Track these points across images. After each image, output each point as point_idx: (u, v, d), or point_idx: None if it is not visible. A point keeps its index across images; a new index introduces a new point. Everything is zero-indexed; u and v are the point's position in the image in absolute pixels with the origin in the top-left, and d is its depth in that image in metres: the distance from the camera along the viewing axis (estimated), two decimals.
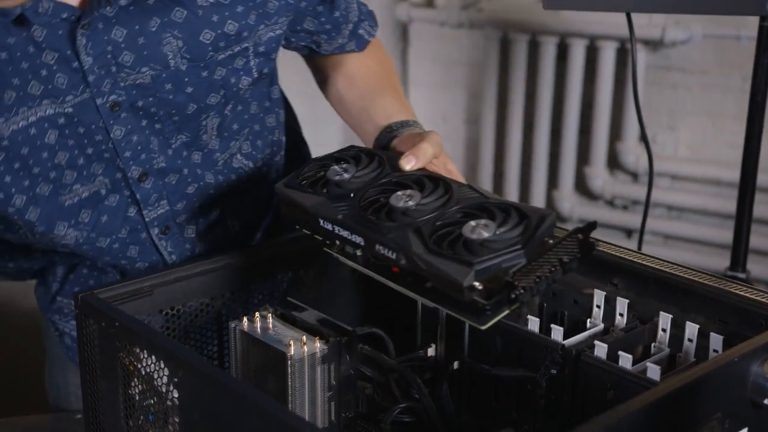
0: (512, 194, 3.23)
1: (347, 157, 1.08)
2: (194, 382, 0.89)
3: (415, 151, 1.07)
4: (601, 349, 1.03)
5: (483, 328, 0.88)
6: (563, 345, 1.05)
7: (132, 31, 1.12)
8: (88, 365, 1.03)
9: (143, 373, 0.95)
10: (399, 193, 0.98)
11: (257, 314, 1.04)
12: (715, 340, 1.04)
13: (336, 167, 1.06)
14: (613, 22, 2.83)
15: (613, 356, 1.02)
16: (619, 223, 3.15)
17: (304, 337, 0.99)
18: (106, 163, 1.18)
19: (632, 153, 3.05)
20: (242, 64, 1.22)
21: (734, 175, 1.88)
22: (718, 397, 0.89)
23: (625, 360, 1.01)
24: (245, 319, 1.04)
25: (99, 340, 1.01)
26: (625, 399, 0.83)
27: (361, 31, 1.40)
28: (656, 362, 1.01)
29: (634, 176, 3.12)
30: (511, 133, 3.22)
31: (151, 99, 1.16)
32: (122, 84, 1.14)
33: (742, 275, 1.80)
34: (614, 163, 3.12)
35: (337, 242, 1.02)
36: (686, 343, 1.06)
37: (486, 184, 3.30)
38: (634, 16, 1.77)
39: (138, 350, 0.95)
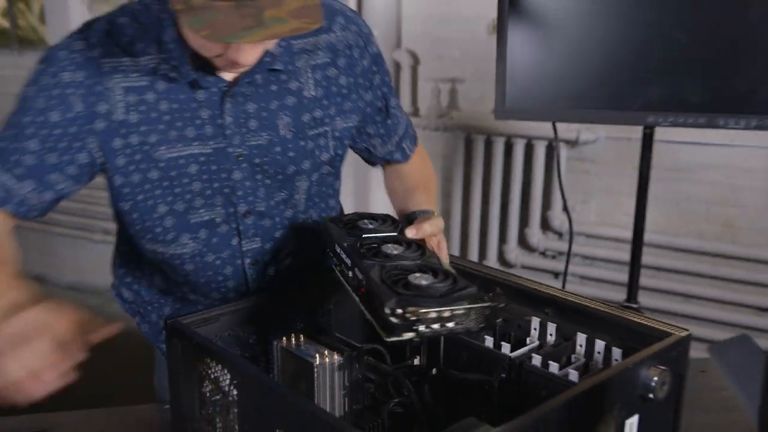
0: (473, 249, 3.22)
1: (378, 217, 1.10)
2: (248, 384, 0.89)
3: (418, 226, 1.08)
4: (536, 360, 1.03)
5: (386, 340, 0.87)
6: (510, 357, 1.05)
7: (259, 107, 1.14)
8: (173, 371, 1.03)
9: (212, 377, 0.94)
10: (389, 244, 1.00)
11: (293, 335, 1.04)
12: (616, 352, 1.04)
13: (366, 220, 1.08)
14: (543, 127, 2.86)
15: (545, 365, 1.02)
16: (549, 269, 3.13)
17: (326, 352, 0.99)
18: (225, 198, 1.16)
19: (558, 219, 3.06)
20: (323, 143, 1.22)
21: (629, 234, 1.88)
22: (618, 393, 0.88)
23: (554, 367, 1.01)
24: (284, 338, 1.04)
25: (181, 354, 1.00)
26: (554, 396, 0.83)
27: (404, 145, 1.37)
28: (575, 369, 1.01)
29: (560, 235, 3.12)
30: (473, 205, 3.22)
31: (264, 158, 1.16)
32: (247, 143, 1.14)
33: (635, 305, 1.79)
34: (546, 225, 3.12)
35: (341, 265, 1.03)
36: (596, 354, 1.06)
37: (455, 241, 3.29)
38: (558, 123, 1.79)
39: (209, 360, 0.95)
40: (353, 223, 1.08)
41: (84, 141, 1.08)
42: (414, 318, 0.84)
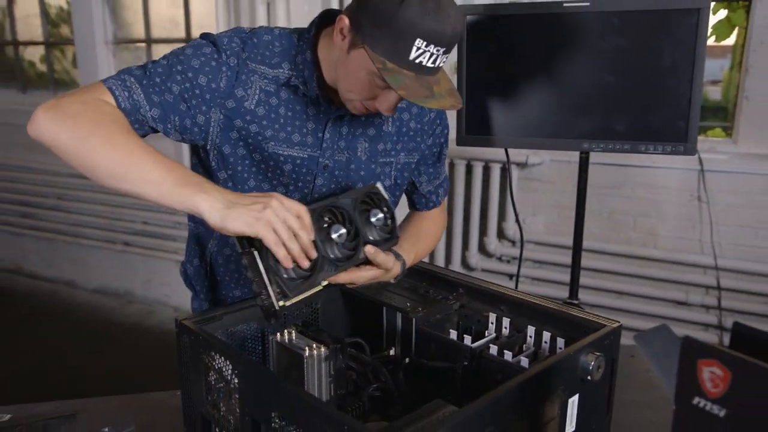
0: (440, 255, 3.21)
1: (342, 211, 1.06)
2: (247, 373, 0.88)
3: (377, 251, 1.06)
4: (494, 349, 1.03)
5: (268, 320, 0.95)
6: (471, 347, 1.05)
7: (349, 131, 1.18)
8: (183, 363, 1.01)
9: (216, 367, 0.93)
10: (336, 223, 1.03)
11: (286, 331, 1.02)
12: (560, 342, 1.04)
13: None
14: (498, 152, 2.87)
15: (501, 353, 1.02)
16: (504, 271, 3.14)
17: (314, 345, 0.98)
18: (302, 196, 1.19)
19: (512, 229, 3.07)
20: (388, 170, 1.25)
21: (570, 241, 1.89)
22: (562, 376, 0.89)
23: (508, 356, 1.01)
24: (278, 334, 1.03)
25: (190, 347, 0.99)
26: (508, 379, 0.83)
27: (440, 191, 1.38)
28: (526, 356, 1.01)
29: (513, 243, 3.12)
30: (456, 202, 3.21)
31: (341, 172, 1.20)
32: (333, 157, 1.18)
33: (576, 302, 1.80)
34: (502, 235, 3.13)
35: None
36: (543, 344, 1.06)
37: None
38: (510, 149, 1.80)
39: (213, 353, 0.94)
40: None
41: (211, 109, 1.11)
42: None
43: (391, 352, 1.17)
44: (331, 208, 1.03)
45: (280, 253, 0.91)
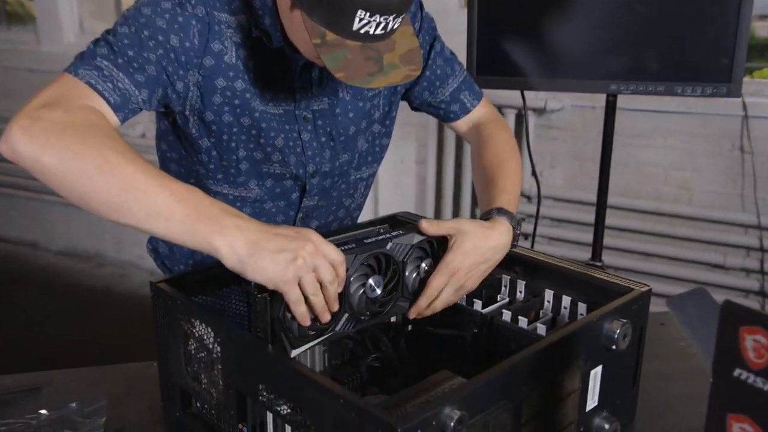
0: (448, 213, 3.22)
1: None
2: (231, 341, 0.88)
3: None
4: (507, 315, 1.03)
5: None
6: (481, 313, 1.05)
7: (319, 75, 1.15)
8: (159, 329, 1.01)
9: (196, 335, 0.93)
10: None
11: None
12: (582, 308, 1.04)
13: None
14: (513, 96, 2.84)
15: (515, 320, 1.02)
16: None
17: None
18: (297, 157, 1.18)
19: (527, 183, 3.06)
20: (377, 102, 1.24)
21: (593, 197, 1.88)
22: (583, 345, 0.89)
23: (523, 322, 1.01)
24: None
25: (166, 313, 0.99)
26: (523, 349, 0.83)
27: (462, 98, 1.32)
28: (543, 323, 1.01)
29: (529, 198, 3.13)
30: (446, 170, 3.21)
31: (328, 121, 1.18)
32: (310, 107, 1.16)
33: (599, 264, 1.80)
34: None
35: None
36: (563, 310, 1.06)
37: (429, 205, 3.29)
38: (526, 92, 1.77)
39: (193, 319, 0.94)
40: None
41: (188, 72, 1.06)
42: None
43: (392, 319, 1.18)
44: (378, 255, 0.96)
45: (299, 311, 0.87)
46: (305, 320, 0.88)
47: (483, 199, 1.16)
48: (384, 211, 2.17)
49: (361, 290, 0.96)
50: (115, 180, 0.85)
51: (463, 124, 1.34)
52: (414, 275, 1.01)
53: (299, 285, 0.85)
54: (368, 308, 0.97)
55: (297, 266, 0.83)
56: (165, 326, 1.00)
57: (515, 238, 1.07)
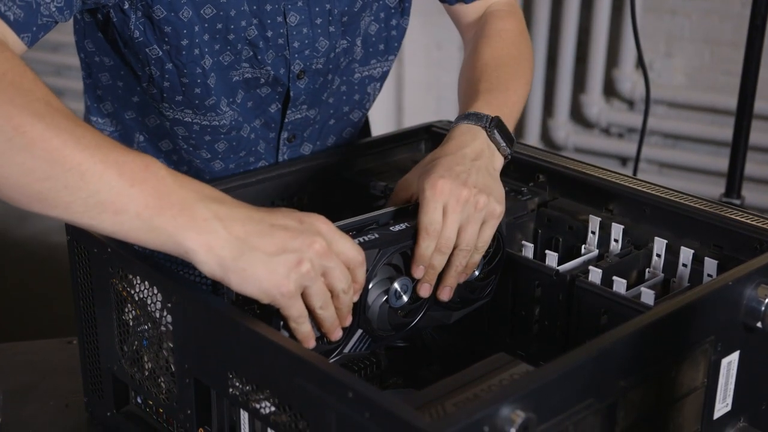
0: None
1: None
2: (189, 307, 0.89)
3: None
4: (595, 275, 1.04)
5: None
6: (557, 270, 1.06)
7: None
8: (81, 291, 1.03)
9: (136, 299, 0.95)
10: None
11: None
12: (710, 265, 1.05)
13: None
14: None
15: (607, 281, 1.03)
16: (614, 152, 3.14)
17: None
18: (277, 51, 1.19)
19: (629, 80, 3.04)
20: None
21: (731, 102, 1.87)
22: (711, 321, 0.90)
23: (620, 285, 1.02)
24: None
25: (91, 267, 1.00)
26: (619, 323, 0.84)
27: None
28: (650, 287, 1.02)
29: (630, 104, 3.10)
30: None
31: None
32: None
33: (737, 201, 1.80)
34: (610, 90, 3.10)
35: None
36: (680, 268, 1.07)
37: None
38: None
39: (131, 276, 0.95)
40: None
41: None
42: None
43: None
44: (408, 250, 0.98)
45: (302, 330, 0.88)
46: (309, 341, 0.89)
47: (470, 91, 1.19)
48: (411, 121, 2.17)
49: (383, 298, 0.98)
50: (35, 158, 0.82)
51: (471, 11, 1.35)
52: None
53: (303, 296, 0.87)
54: (391, 321, 0.99)
55: (302, 274, 0.85)
56: (88, 287, 1.02)
57: (510, 141, 1.09)
